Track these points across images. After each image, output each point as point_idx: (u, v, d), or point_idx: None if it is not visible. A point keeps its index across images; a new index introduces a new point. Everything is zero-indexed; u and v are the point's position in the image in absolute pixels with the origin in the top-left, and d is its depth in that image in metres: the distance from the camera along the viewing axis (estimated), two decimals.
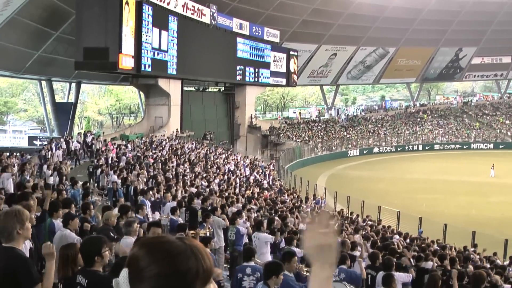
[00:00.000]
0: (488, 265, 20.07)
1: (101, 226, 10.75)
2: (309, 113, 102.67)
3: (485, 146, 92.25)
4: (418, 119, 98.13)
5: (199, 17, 56.74)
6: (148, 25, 47.11)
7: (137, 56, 45.71)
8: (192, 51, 55.06)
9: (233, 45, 64.60)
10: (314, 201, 36.48)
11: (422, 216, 33.42)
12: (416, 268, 14.08)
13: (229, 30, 63.41)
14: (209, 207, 17.59)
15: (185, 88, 59.36)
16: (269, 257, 13.74)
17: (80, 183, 20.04)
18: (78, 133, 46.67)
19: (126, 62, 44.10)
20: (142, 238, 2.23)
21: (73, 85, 66.16)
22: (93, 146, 39.62)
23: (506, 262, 23.54)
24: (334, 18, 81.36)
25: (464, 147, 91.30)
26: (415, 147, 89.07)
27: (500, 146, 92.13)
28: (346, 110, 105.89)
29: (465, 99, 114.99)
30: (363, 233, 21.65)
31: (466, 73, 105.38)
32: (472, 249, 26.41)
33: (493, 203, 46.54)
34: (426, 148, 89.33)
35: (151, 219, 14.04)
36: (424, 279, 12.50)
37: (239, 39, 65.52)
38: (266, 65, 71.67)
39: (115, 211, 11.87)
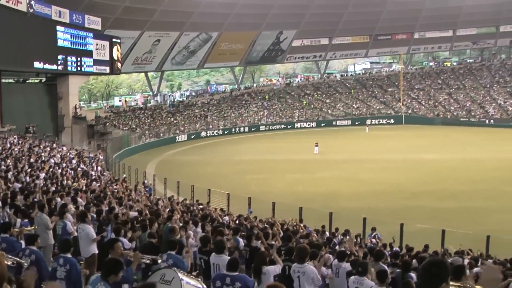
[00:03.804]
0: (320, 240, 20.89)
1: None
2: (135, 100, 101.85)
3: (308, 125, 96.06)
4: (243, 102, 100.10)
5: (14, 5, 54.23)
6: None
7: None
8: (8, 41, 52.60)
9: (53, 34, 62.46)
10: (145, 188, 36.23)
11: (252, 196, 34.13)
12: (248, 248, 14.38)
13: (48, 18, 61.21)
14: (34, 203, 17.00)
15: (3, 80, 56.75)
16: (94, 250, 13.56)
17: None
18: None
19: None
20: None
21: None
22: None
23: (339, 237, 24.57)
24: (156, 4, 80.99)
25: (289, 126, 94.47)
26: (242, 129, 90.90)
27: (322, 124, 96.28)
28: (172, 96, 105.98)
29: (288, 81, 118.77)
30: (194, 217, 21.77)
31: (288, 55, 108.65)
32: (302, 224, 27.36)
33: (318, 179, 48.59)
34: (252, 129, 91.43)
35: None
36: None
37: (59, 28, 63.46)
38: (89, 54, 70.00)
39: None
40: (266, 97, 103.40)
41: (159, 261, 9.15)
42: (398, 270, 12.85)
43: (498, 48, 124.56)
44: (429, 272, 4.70)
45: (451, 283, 5.33)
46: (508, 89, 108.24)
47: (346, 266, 12.72)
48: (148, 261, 8.68)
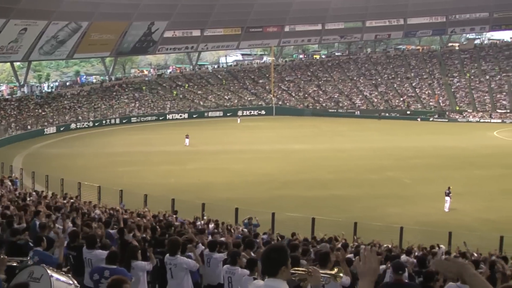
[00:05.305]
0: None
1: None
2: (0, 91, 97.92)
3: (180, 116, 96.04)
4: (114, 93, 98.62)
5: None
6: None
7: None
8: None
9: None
10: (11, 182, 34.97)
11: (123, 189, 33.83)
12: (120, 240, 14.23)
13: None
14: None
15: None
16: None
17: None
18: None
19: None
20: None
21: None
22: None
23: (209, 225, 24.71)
24: None
25: (160, 118, 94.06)
26: (113, 121, 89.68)
27: (194, 116, 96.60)
28: (40, 87, 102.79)
29: (159, 72, 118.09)
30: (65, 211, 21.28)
31: (159, 46, 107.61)
32: (174, 215, 27.38)
33: (190, 170, 48.83)
34: (124, 121, 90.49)
35: None
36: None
37: None
38: None
39: None
40: (144, 88, 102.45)
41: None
42: None
43: (364, 42, 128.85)
44: (268, 256, 4.94)
45: (300, 268, 5.59)
46: (373, 82, 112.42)
47: (217, 256, 12.87)
48: (16, 264, 8.36)
